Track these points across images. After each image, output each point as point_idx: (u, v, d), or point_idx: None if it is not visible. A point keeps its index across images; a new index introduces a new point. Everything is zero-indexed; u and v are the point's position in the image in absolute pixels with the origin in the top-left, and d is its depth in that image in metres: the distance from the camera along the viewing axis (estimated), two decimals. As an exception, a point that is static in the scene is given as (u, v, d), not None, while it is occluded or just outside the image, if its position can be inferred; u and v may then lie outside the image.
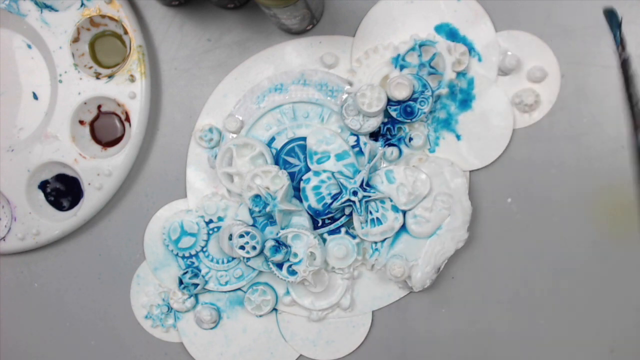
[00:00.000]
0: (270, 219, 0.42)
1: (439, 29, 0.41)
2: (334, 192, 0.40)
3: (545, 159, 0.41)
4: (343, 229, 0.42)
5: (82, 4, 0.42)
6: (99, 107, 0.44)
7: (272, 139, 0.42)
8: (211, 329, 0.44)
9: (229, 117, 0.43)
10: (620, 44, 0.27)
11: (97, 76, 0.43)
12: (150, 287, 0.45)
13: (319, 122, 0.42)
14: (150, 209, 0.44)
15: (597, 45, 0.41)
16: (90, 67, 0.44)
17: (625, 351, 0.41)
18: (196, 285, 0.43)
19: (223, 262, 0.43)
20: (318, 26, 0.43)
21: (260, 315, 0.43)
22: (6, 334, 0.47)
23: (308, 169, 0.41)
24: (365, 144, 0.41)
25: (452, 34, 0.41)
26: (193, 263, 0.43)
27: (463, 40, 0.41)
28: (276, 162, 0.42)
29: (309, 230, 0.41)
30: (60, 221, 0.44)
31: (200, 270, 0.43)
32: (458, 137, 0.41)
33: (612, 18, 0.27)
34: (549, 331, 0.42)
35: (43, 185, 0.45)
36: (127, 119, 0.43)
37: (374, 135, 0.41)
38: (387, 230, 0.41)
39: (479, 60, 0.41)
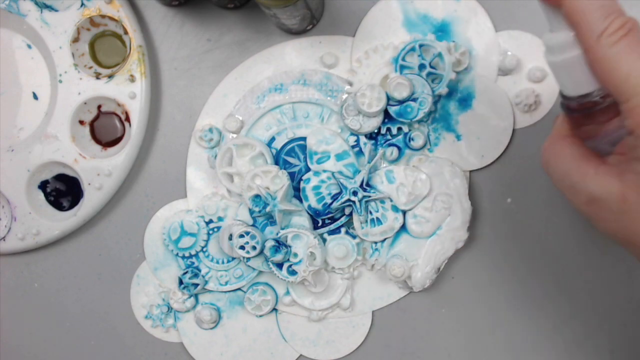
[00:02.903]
0: (270, 219, 0.42)
1: (439, 29, 0.41)
2: (334, 192, 0.40)
3: (545, 159, 0.41)
4: (343, 229, 0.42)
5: (82, 4, 0.42)
6: (99, 107, 0.44)
7: (272, 139, 0.42)
8: (211, 329, 0.44)
9: (229, 117, 0.43)
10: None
11: (97, 76, 0.43)
12: (150, 287, 0.45)
13: (319, 122, 0.42)
14: (150, 209, 0.44)
15: (597, 45, 0.41)
16: (90, 67, 0.44)
17: (625, 351, 0.41)
18: (196, 285, 0.43)
19: (223, 262, 0.43)
20: (318, 26, 0.43)
21: (260, 315, 0.43)
22: (6, 334, 0.47)
23: (308, 169, 0.41)
24: (365, 144, 0.41)
25: (451, 34, 0.41)
26: (193, 263, 0.43)
27: (463, 40, 0.41)
28: (276, 162, 0.42)
29: (309, 230, 0.41)
30: (60, 221, 0.44)
31: (200, 270, 0.43)
32: (458, 137, 0.41)
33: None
34: (548, 331, 0.42)
35: (43, 185, 0.45)
36: (127, 119, 0.43)
37: (374, 135, 0.41)
38: (387, 230, 0.41)
39: (479, 60, 0.41)
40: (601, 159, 0.30)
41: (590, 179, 0.29)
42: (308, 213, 0.41)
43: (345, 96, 0.42)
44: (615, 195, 0.28)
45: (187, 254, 0.43)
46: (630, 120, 0.27)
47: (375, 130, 0.41)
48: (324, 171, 0.40)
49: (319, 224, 0.42)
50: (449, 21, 0.41)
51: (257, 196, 0.40)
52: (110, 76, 0.43)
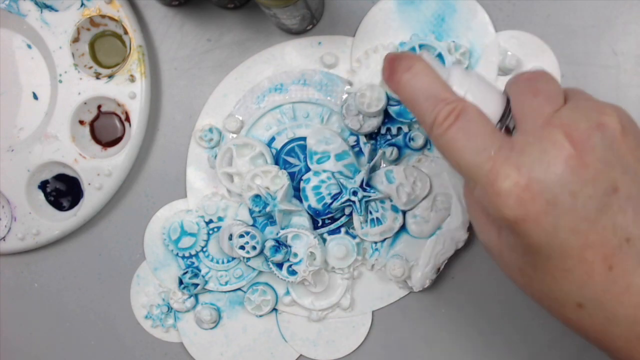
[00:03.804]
0: (270, 219, 0.42)
1: (439, 28, 0.41)
2: (334, 192, 0.40)
3: (545, 159, 0.41)
4: (343, 229, 0.42)
5: (82, 4, 0.42)
6: (99, 107, 0.44)
7: (272, 139, 0.42)
8: (211, 329, 0.44)
9: (229, 117, 0.43)
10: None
11: (97, 76, 0.43)
12: (150, 287, 0.45)
13: (319, 122, 0.42)
14: (150, 209, 0.44)
15: (597, 45, 0.41)
16: (90, 67, 0.44)
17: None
18: (196, 285, 0.43)
19: (223, 262, 0.43)
20: (318, 26, 0.43)
21: (260, 315, 0.43)
22: (6, 334, 0.47)
23: (308, 169, 0.41)
24: (365, 144, 0.41)
25: (451, 34, 0.41)
26: (193, 263, 0.43)
27: (463, 40, 0.41)
28: (276, 162, 0.42)
29: (309, 230, 0.41)
30: (60, 221, 0.44)
31: (200, 270, 0.43)
32: (458, 137, 0.41)
33: None
34: (549, 331, 0.42)
35: (43, 185, 0.45)
36: (127, 119, 0.43)
37: (374, 135, 0.41)
38: (386, 231, 0.41)
39: (479, 60, 0.41)
40: None
41: (480, 226, 0.30)
42: (308, 213, 0.41)
43: (345, 96, 0.42)
44: (495, 248, 0.29)
45: (187, 254, 0.43)
46: (475, 197, 0.28)
47: (375, 130, 0.41)
48: (324, 171, 0.40)
49: (319, 224, 0.42)
50: (448, 21, 0.41)
51: (257, 196, 0.40)
52: (110, 76, 0.43)
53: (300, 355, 0.44)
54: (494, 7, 0.41)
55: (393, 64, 0.29)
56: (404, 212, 0.41)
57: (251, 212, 0.41)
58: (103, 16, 0.42)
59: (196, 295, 0.44)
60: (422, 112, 0.28)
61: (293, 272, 0.41)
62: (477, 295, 0.42)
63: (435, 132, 0.28)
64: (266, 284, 0.43)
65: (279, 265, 0.41)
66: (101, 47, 0.44)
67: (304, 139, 0.42)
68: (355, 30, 0.42)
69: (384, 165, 0.41)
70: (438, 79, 0.29)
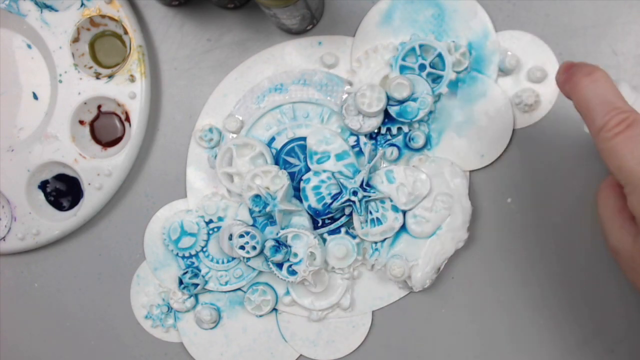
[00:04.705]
0: (270, 219, 0.42)
1: (439, 29, 0.41)
2: (334, 192, 0.40)
3: (546, 159, 0.41)
4: (343, 229, 0.42)
5: (82, 4, 0.42)
6: (99, 107, 0.44)
7: (272, 139, 0.42)
8: (211, 329, 0.44)
9: (229, 117, 0.43)
10: None
11: (97, 76, 0.43)
12: (150, 287, 0.45)
13: (319, 122, 0.42)
14: (150, 209, 0.44)
15: (597, 45, 0.41)
16: (90, 67, 0.44)
17: (625, 351, 0.41)
18: (196, 285, 0.43)
19: (223, 262, 0.43)
20: (318, 26, 0.43)
21: (260, 315, 0.43)
22: (6, 334, 0.47)
23: (308, 169, 0.41)
24: (365, 144, 0.41)
25: (451, 34, 0.41)
26: (193, 263, 0.43)
27: (463, 40, 0.41)
28: (276, 162, 0.42)
29: (309, 230, 0.41)
30: (60, 221, 0.44)
31: (200, 270, 0.43)
32: (458, 136, 0.41)
33: None
34: (548, 331, 0.42)
35: (43, 185, 0.45)
36: (127, 119, 0.43)
37: (374, 135, 0.41)
38: (387, 230, 0.41)
39: (479, 60, 0.41)
40: (632, 217, 0.32)
41: (614, 231, 0.33)
42: (308, 213, 0.41)
43: (345, 96, 0.42)
44: (627, 252, 0.32)
45: (187, 254, 0.43)
46: (629, 203, 0.30)
47: (375, 130, 0.41)
48: (324, 171, 0.40)
49: (319, 224, 0.42)
50: (448, 21, 0.41)
51: (257, 196, 0.40)
52: (110, 76, 0.43)
53: (300, 355, 0.44)
54: (494, 7, 0.41)
55: (572, 69, 0.32)
56: (404, 212, 0.41)
57: (251, 212, 0.41)
58: (103, 16, 0.42)
59: (196, 295, 0.44)
60: (594, 115, 0.30)
61: (293, 272, 0.41)
62: (477, 295, 0.42)
63: (602, 135, 0.30)
64: (266, 284, 0.43)
65: (279, 265, 0.41)
66: (101, 47, 0.44)
67: (304, 139, 0.42)
68: (355, 30, 0.42)
69: (384, 165, 0.41)
70: (615, 88, 0.31)
